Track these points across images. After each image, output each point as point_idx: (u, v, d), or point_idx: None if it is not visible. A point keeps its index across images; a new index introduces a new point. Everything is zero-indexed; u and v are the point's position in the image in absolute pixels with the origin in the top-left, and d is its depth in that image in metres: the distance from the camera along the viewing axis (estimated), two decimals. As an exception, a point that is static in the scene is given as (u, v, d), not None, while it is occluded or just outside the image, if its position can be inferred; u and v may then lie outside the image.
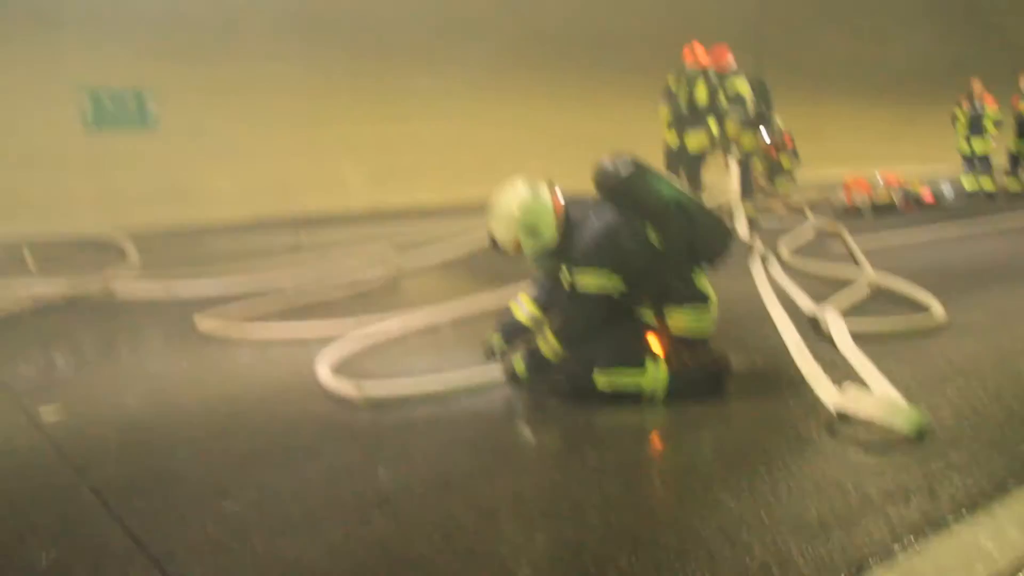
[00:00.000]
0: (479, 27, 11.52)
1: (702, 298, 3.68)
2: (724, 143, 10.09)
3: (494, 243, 3.68)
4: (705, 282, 3.74)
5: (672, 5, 13.32)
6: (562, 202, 3.64)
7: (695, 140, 10.31)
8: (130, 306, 6.07)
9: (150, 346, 4.86)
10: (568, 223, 3.61)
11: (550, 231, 3.57)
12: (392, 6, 10.98)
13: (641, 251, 3.59)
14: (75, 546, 2.38)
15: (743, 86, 9.91)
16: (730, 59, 10.14)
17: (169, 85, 9.38)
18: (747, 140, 10.13)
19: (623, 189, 3.62)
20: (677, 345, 3.68)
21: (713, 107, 10.14)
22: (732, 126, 9.90)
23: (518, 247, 3.60)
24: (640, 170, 3.65)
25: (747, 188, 10.15)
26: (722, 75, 10.08)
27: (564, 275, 3.62)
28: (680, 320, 3.61)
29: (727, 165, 10.09)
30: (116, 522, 2.51)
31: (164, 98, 9.37)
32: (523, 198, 3.57)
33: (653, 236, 3.63)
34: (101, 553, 2.33)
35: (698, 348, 3.77)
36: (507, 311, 3.97)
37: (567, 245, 3.58)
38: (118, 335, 5.26)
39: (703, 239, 3.72)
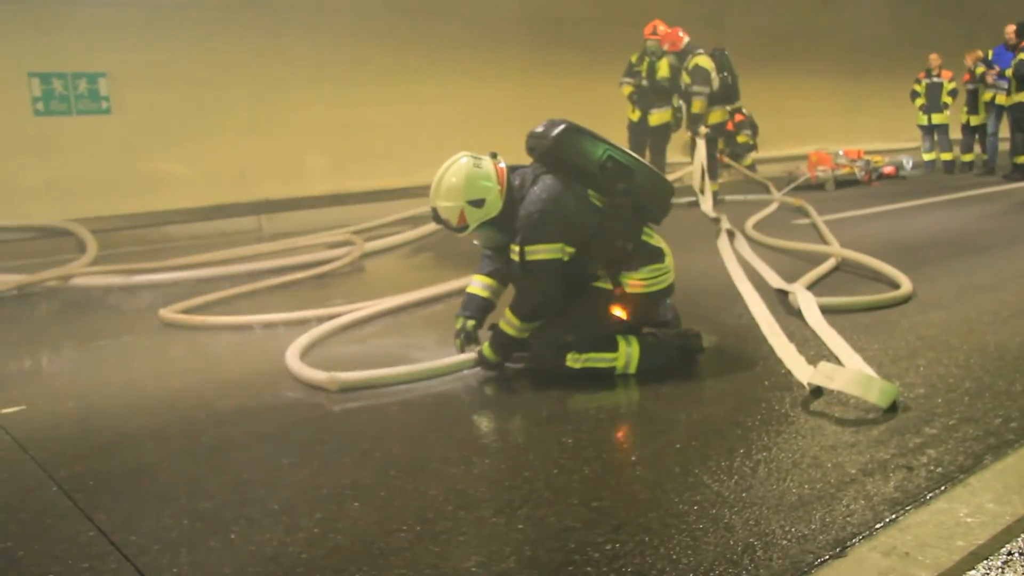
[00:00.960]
0: (439, 7, 11.37)
1: (657, 256, 3.67)
2: (692, 121, 10.10)
3: (438, 219, 3.60)
4: (655, 236, 3.73)
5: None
6: (505, 171, 3.60)
7: (658, 116, 10.33)
8: (88, 297, 5.94)
9: (112, 337, 4.75)
10: (510, 191, 3.57)
11: (494, 199, 3.52)
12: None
13: (585, 214, 3.57)
14: (45, 545, 2.32)
15: (705, 61, 9.90)
16: (683, 38, 10.12)
17: (123, 69, 9.14)
18: (714, 115, 10.13)
19: (555, 150, 3.59)
20: (644, 318, 3.69)
21: (676, 85, 10.16)
22: (698, 103, 9.90)
23: (462, 219, 3.52)
24: (570, 130, 3.61)
25: (712, 167, 10.17)
26: (682, 54, 10.08)
27: (513, 251, 3.57)
28: (639, 283, 3.61)
29: (694, 143, 10.12)
30: (86, 519, 2.45)
31: (118, 82, 9.13)
32: (466, 168, 3.51)
33: (594, 197, 3.62)
34: (73, 551, 2.27)
35: (668, 324, 3.80)
36: (467, 294, 3.93)
37: (510, 214, 3.54)
38: (77, 326, 5.14)
39: (645, 195, 3.71)
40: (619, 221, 3.61)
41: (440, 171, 3.56)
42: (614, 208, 3.61)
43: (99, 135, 8.96)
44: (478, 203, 3.50)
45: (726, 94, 10.17)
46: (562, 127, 3.60)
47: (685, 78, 9.99)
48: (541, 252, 3.48)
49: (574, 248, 3.55)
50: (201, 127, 9.63)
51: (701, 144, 9.94)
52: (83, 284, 6.12)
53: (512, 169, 3.66)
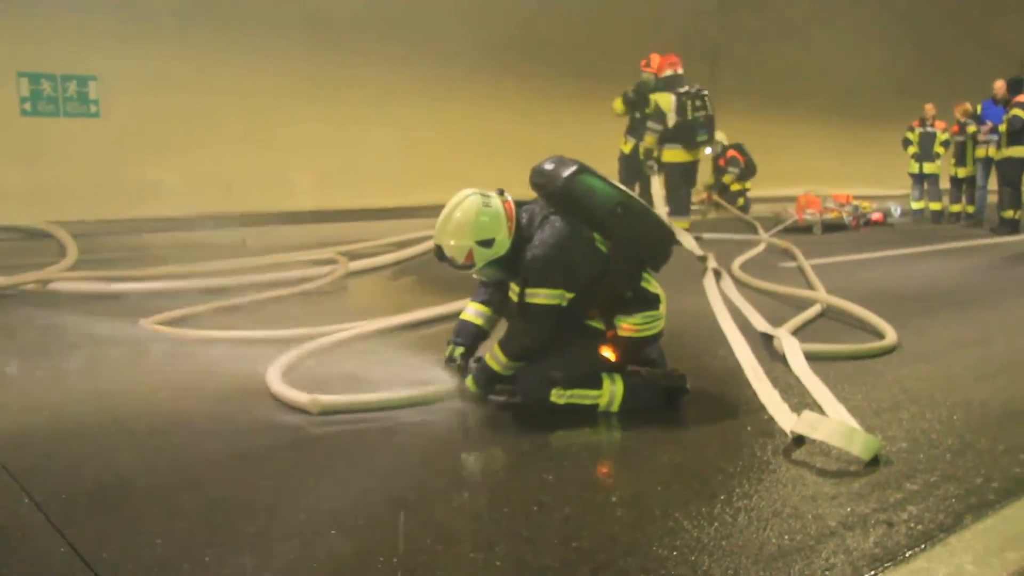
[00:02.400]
0: (434, 30, 11.42)
1: (653, 303, 3.66)
2: (644, 155, 10.19)
3: (442, 256, 3.52)
4: (653, 283, 3.72)
5: (631, 15, 13.35)
6: (513, 208, 3.56)
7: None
8: (67, 303, 5.86)
9: (88, 346, 4.68)
10: (518, 230, 3.51)
11: (503, 240, 3.46)
12: (348, 5, 10.83)
13: (591, 261, 3.54)
14: (14, 563, 2.27)
15: (665, 101, 9.98)
16: (669, 69, 10.19)
17: (114, 73, 9.10)
18: (668, 154, 10.19)
19: (565, 192, 3.55)
20: (631, 358, 3.69)
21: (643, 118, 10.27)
22: (649, 138, 9.99)
23: (470, 258, 3.45)
24: (581, 170, 3.57)
25: (679, 204, 10.21)
26: (660, 83, 10.16)
27: (513, 290, 3.55)
28: (631, 328, 3.60)
29: (648, 177, 10.19)
30: (58, 535, 2.40)
31: (108, 86, 9.09)
32: (476, 207, 3.45)
33: (600, 241, 3.59)
34: (44, 568, 2.22)
35: (654, 363, 3.80)
36: (460, 321, 3.90)
37: (517, 252, 3.49)
38: (53, 333, 5.07)
39: (648, 241, 3.69)
40: (623, 268, 3.60)
41: (448, 208, 3.47)
42: (619, 255, 3.59)
43: (87, 139, 8.91)
44: (487, 243, 3.43)
45: (684, 136, 10.15)
46: (573, 168, 3.55)
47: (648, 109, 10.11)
48: (541, 296, 3.45)
49: (574, 293, 3.52)
50: (190, 136, 9.60)
51: (655, 179, 10.03)
52: (62, 289, 6.04)
53: (519, 205, 3.61)
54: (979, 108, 12.59)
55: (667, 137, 10.01)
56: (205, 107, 9.73)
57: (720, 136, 11.32)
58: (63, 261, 6.93)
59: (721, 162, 12.61)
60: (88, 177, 8.89)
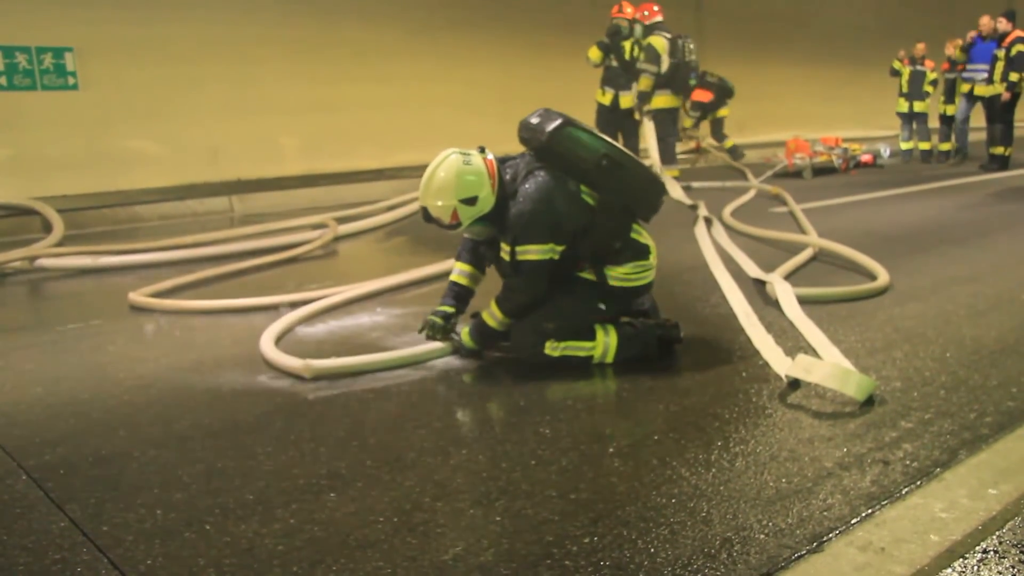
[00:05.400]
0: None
1: (643, 253, 3.65)
2: (638, 99, 10.07)
3: (429, 217, 3.52)
4: (643, 233, 3.71)
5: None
6: (495, 165, 3.53)
7: (629, 98, 10.28)
8: (56, 279, 5.83)
9: (80, 321, 4.66)
10: (501, 185, 3.50)
11: (487, 196, 3.45)
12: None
13: (577, 213, 3.53)
14: (14, 536, 2.27)
15: (659, 42, 9.85)
16: (655, 15, 10.06)
17: (91, 43, 8.95)
18: (659, 100, 10.08)
19: (550, 145, 3.52)
20: (624, 308, 3.68)
21: (633, 63, 10.12)
22: (645, 81, 9.86)
23: (455, 217, 3.45)
24: (566, 123, 3.54)
25: (667, 153, 10.13)
26: (647, 30, 10.02)
27: (504, 250, 3.53)
28: (621, 278, 3.60)
29: (641, 121, 10.08)
30: (58, 509, 2.41)
31: (86, 57, 8.95)
32: (456, 166, 3.43)
33: (587, 194, 3.58)
34: (44, 543, 2.22)
35: (647, 314, 3.80)
36: (448, 282, 3.88)
37: (502, 208, 3.48)
38: (43, 310, 5.05)
39: (637, 192, 3.67)
40: (610, 219, 3.58)
41: (429, 169, 3.47)
42: (606, 206, 3.57)
43: (66, 111, 8.80)
44: (471, 201, 3.42)
45: (675, 81, 10.08)
46: (558, 122, 3.52)
47: (638, 54, 9.96)
48: (532, 253, 3.45)
49: (564, 246, 3.51)
50: (172, 105, 9.50)
51: (648, 123, 9.93)
52: (49, 265, 6.00)
53: (502, 161, 3.60)
54: (968, 41, 12.44)
55: (658, 83, 9.91)
56: (186, 75, 9.62)
57: None
58: (49, 237, 6.89)
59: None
60: (70, 151, 8.81)
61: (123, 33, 9.12)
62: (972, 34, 12.31)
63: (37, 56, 8.67)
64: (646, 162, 9.38)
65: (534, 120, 3.59)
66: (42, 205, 7.75)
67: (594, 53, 10.24)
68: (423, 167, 3.52)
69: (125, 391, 3.46)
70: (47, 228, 7.30)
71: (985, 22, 12.02)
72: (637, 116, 10.11)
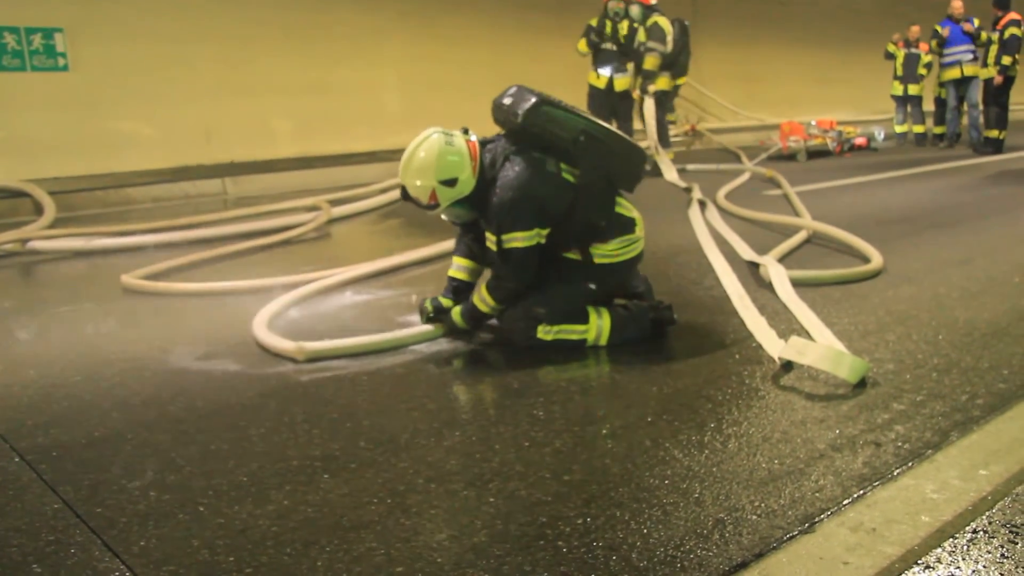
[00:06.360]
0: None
1: (628, 227, 3.62)
2: (643, 78, 10.04)
3: (407, 196, 3.49)
4: (628, 207, 3.68)
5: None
6: (478, 147, 3.50)
7: (623, 81, 10.25)
8: (48, 262, 5.81)
9: (72, 303, 4.65)
10: (481, 169, 3.46)
11: (467, 178, 3.42)
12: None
13: (559, 194, 3.49)
14: (7, 518, 2.27)
15: (665, 22, 9.83)
16: None
17: (81, 24, 8.87)
18: (660, 82, 10.06)
19: (526, 126, 3.47)
20: (616, 288, 3.68)
21: (632, 44, 10.09)
22: (652, 60, 9.82)
23: (433, 198, 3.42)
24: (541, 103, 3.48)
25: (662, 135, 10.13)
26: (646, 11, 9.99)
27: (490, 239, 3.50)
28: (608, 255, 3.58)
29: (642, 101, 10.06)
30: (51, 491, 2.40)
31: (76, 38, 8.86)
32: (437, 146, 3.39)
33: (567, 171, 3.54)
34: (37, 524, 2.22)
35: (640, 296, 3.80)
36: (448, 277, 3.86)
37: (482, 192, 3.45)
38: (36, 292, 5.03)
39: (618, 163, 3.63)
40: (593, 196, 3.55)
41: (410, 148, 3.44)
42: (587, 184, 3.54)
43: (56, 93, 8.74)
44: (450, 183, 3.39)
45: (676, 65, 10.07)
46: (532, 102, 3.45)
47: (641, 35, 9.92)
48: (518, 240, 3.42)
49: (548, 229, 3.49)
50: (164, 86, 9.43)
51: (650, 103, 9.90)
52: (41, 247, 5.98)
53: (483, 144, 3.55)
54: (943, 36, 12.41)
55: (662, 64, 9.89)
56: (178, 56, 9.54)
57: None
58: (41, 219, 6.86)
59: None
60: (61, 132, 8.75)
61: (113, 13, 9.04)
62: (945, 31, 12.28)
63: (26, 36, 8.59)
64: (642, 143, 9.43)
65: (507, 101, 3.54)
66: (33, 187, 7.71)
67: (583, 46, 10.24)
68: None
69: (118, 373, 3.46)
70: (38, 211, 7.27)
71: (957, 6, 12.06)
72: (637, 95, 10.08)
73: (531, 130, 3.49)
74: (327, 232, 6.64)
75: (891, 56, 13.32)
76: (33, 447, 2.72)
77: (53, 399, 3.18)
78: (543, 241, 3.48)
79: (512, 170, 3.42)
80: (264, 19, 10.16)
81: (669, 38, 9.82)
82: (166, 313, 4.41)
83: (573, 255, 3.60)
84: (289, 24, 10.34)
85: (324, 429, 2.83)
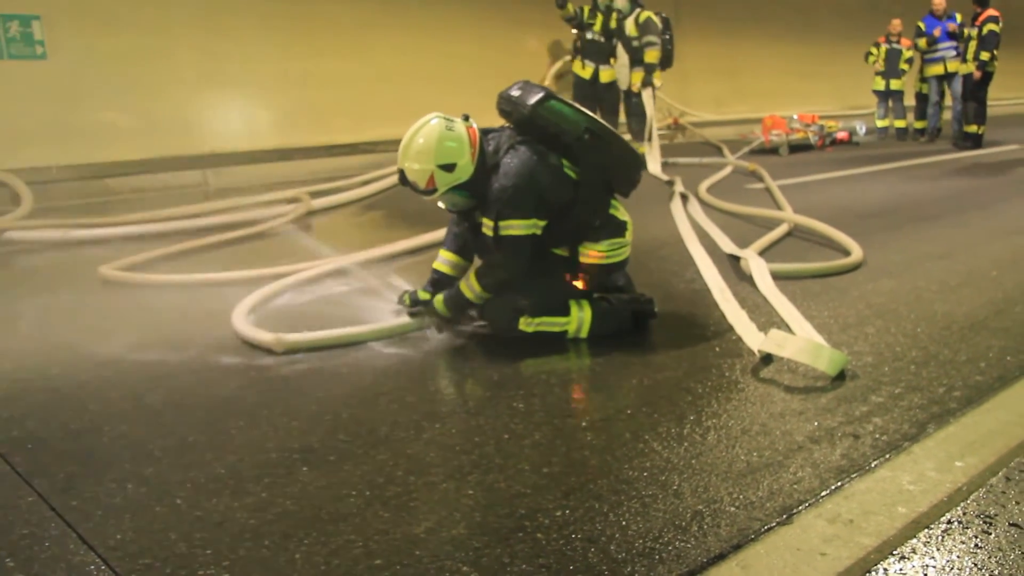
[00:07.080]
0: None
1: (620, 230, 3.64)
2: (646, 72, 10.06)
3: (405, 181, 3.47)
4: (621, 209, 3.70)
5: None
6: (478, 134, 3.50)
7: (609, 73, 10.26)
8: (25, 252, 5.75)
9: (50, 295, 4.60)
10: (482, 156, 3.47)
11: (466, 164, 3.41)
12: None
13: (560, 187, 3.51)
14: (-21, 511, 2.25)
15: (655, 16, 9.87)
16: None
17: (59, 11, 8.76)
18: (636, 76, 10.09)
19: (532, 118, 3.49)
20: (598, 284, 3.68)
21: (623, 37, 10.11)
22: (653, 53, 9.85)
23: (431, 183, 3.41)
24: (548, 96, 3.51)
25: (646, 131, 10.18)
26: (632, 5, 10.03)
27: (487, 225, 3.50)
28: (597, 255, 3.59)
29: (643, 95, 10.09)
30: (25, 484, 2.38)
31: (54, 26, 8.75)
32: (437, 131, 3.39)
33: (569, 167, 3.55)
34: (11, 517, 2.20)
35: (621, 289, 3.80)
36: (432, 270, 3.86)
37: (481, 179, 3.45)
38: (12, 283, 4.98)
39: (618, 166, 3.65)
40: (592, 194, 3.56)
41: (410, 132, 3.43)
42: (588, 181, 3.55)
43: (34, 82, 8.60)
44: (449, 167, 3.38)
45: (663, 58, 10.15)
46: (540, 95, 3.49)
47: (632, 30, 9.95)
48: (515, 227, 3.42)
49: (545, 221, 3.50)
50: (145, 76, 9.31)
51: (649, 96, 9.93)
52: (18, 238, 5.92)
53: (485, 132, 3.56)
54: (935, 35, 12.54)
55: (640, 60, 9.92)
56: (158, 46, 9.42)
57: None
58: (18, 209, 6.79)
59: None
60: (38, 122, 8.61)
61: (93, 1, 8.92)
62: (936, 32, 12.38)
63: (3, 24, 8.46)
64: (644, 133, 9.42)
65: (515, 92, 3.56)
66: (10, 176, 7.62)
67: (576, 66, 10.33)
68: (398, 141, 3.47)
69: (95, 365, 3.43)
70: (15, 201, 7.18)
71: (939, 3, 12.18)
72: (636, 89, 10.11)
73: (538, 122, 3.50)
74: (308, 224, 6.61)
75: (871, 55, 13.43)
76: (8, 440, 2.69)
77: (29, 392, 3.15)
78: (539, 233, 3.48)
79: (516, 158, 3.43)
80: (245, 10, 10.06)
81: (659, 30, 9.90)
82: (145, 304, 4.38)
83: (560, 251, 3.60)
84: (270, 15, 10.24)
85: (303, 421, 2.81)
